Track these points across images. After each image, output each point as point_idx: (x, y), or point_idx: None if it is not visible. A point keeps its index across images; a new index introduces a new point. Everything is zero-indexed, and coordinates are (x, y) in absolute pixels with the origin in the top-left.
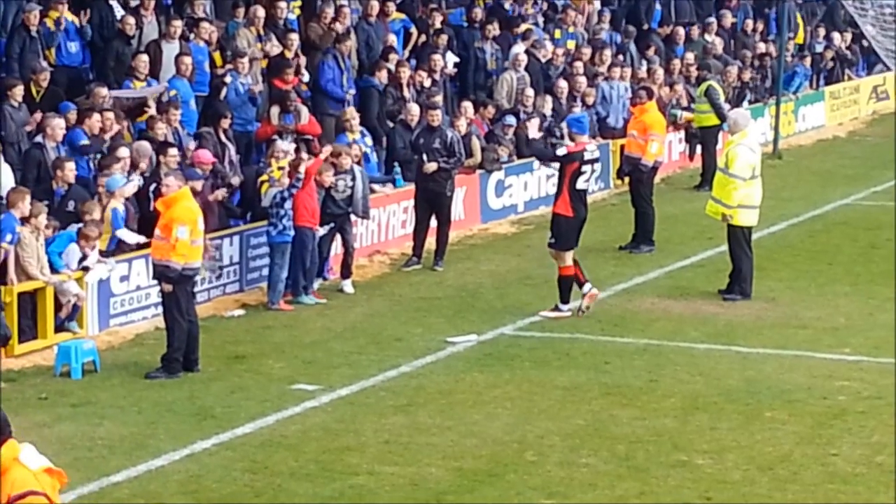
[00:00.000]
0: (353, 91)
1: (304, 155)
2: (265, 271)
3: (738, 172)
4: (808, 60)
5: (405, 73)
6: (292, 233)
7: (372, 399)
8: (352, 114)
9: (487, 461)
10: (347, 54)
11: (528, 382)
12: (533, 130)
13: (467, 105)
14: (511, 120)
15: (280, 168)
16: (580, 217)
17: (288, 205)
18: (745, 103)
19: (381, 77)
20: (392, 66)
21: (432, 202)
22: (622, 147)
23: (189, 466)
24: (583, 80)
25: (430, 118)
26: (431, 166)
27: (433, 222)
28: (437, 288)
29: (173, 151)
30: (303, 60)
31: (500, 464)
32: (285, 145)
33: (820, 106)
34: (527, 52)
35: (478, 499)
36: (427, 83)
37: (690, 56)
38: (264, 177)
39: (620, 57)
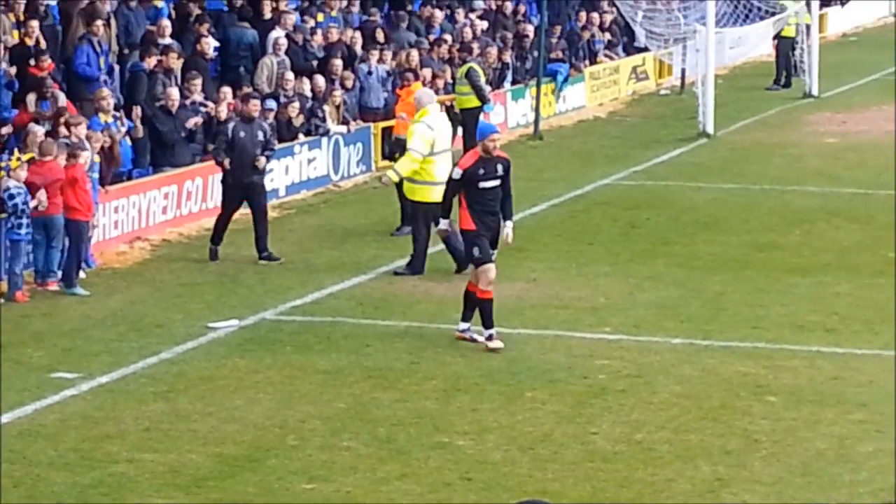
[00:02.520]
0: (106, 76)
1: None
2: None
3: (416, 147)
4: (566, 46)
5: (170, 58)
6: (26, 231)
7: (132, 386)
8: (102, 95)
9: (248, 446)
10: (105, 38)
11: (289, 367)
12: (294, 114)
13: (226, 90)
14: (271, 104)
15: (18, 159)
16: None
17: (21, 199)
18: (507, 84)
19: (150, 62)
20: (157, 51)
21: (250, 194)
22: (384, 130)
23: None
24: (342, 63)
25: (249, 109)
26: (262, 161)
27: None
28: (198, 273)
29: None
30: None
31: (260, 449)
32: (41, 132)
33: (580, 87)
34: (287, 36)
35: (238, 484)
36: (188, 68)
37: (450, 38)
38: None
39: (381, 39)
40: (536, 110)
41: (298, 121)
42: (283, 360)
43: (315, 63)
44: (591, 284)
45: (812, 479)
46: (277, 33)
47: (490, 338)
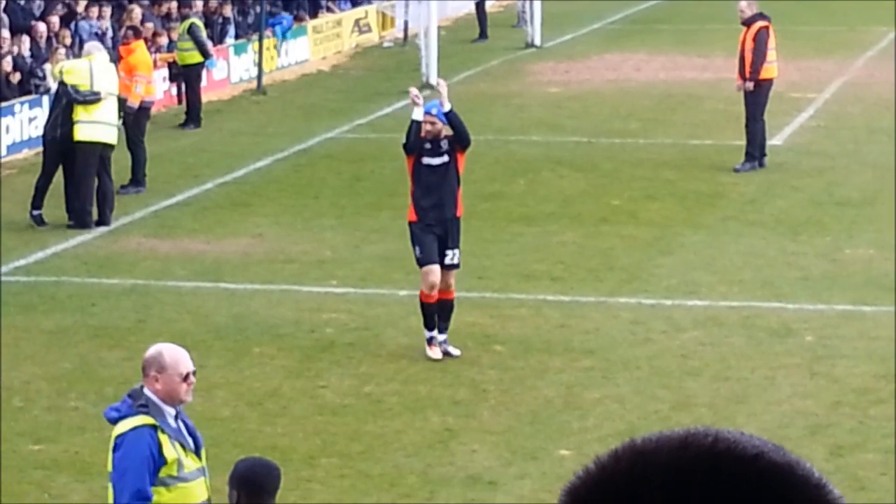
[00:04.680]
0: None
1: None
2: None
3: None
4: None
5: None
6: None
7: None
8: None
9: None
10: None
11: (13, 328)
12: (9, 70)
13: None
14: None
15: None
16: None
17: None
18: (229, 39)
19: None
20: None
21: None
22: None
23: None
24: (58, 21)
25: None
26: None
27: None
28: None
29: None
30: None
31: None
32: None
33: (304, 40)
34: None
35: None
36: None
37: None
38: None
39: None
40: (259, 65)
41: (15, 79)
42: (6, 322)
43: (34, 21)
44: (317, 238)
45: (540, 427)
46: None
47: (430, 341)
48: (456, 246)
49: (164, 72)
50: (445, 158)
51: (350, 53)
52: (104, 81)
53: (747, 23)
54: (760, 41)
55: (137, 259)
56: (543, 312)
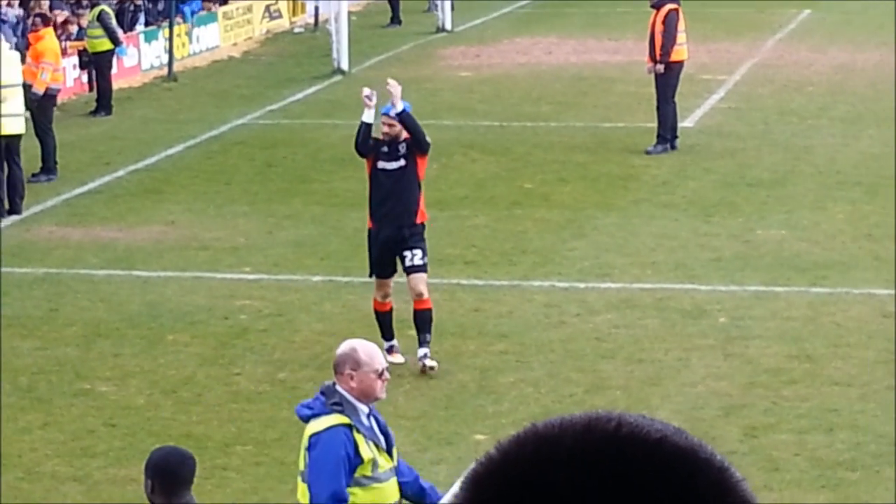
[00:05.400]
0: None
1: None
2: None
3: None
4: None
5: None
6: None
7: None
8: None
9: None
10: None
11: None
12: None
13: None
14: None
15: None
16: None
17: None
18: (139, 26)
19: None
20: None
21: None
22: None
23: None
24: None
25: None
26: None
27: None
28: None
29: None
30: None
31: None
32: None
33: (214, 27)
34: None
35: None
36: None
37: None
38: None
39: None
40: (170, 52)
41: None
42: None
43: None
44: (229, 225)
45: (455, 411)
46: None
47: (390, 350)
48: (416, 247)
49: (75, 59)
50: (402, 163)
51: (261, 39)
52: (7, 72)
53: (657, 5)
54: (670, 23)
55: (49, 247)
56: (457, 296)
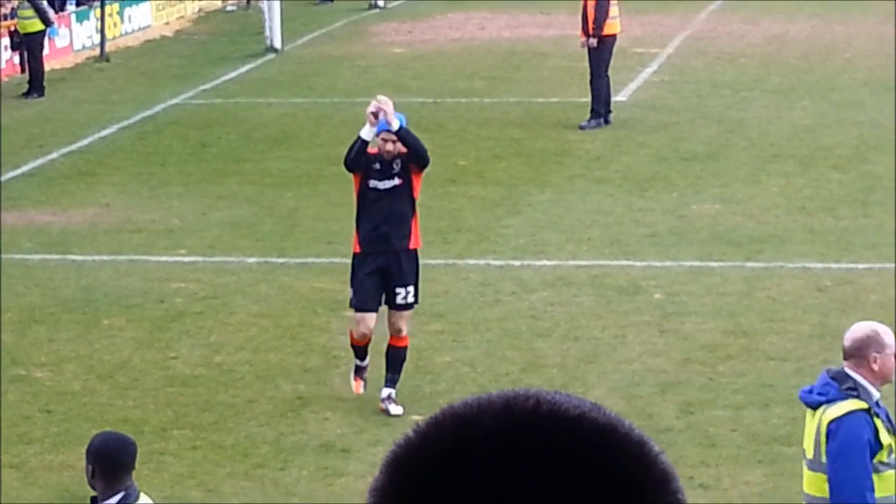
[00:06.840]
0: None
1: None
2: None
3: None
4: None
5: None
6: None
7: None
8: None
9: None
10: None
11: None
12: None
13: None
14: None
15: None
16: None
17: None
18: (70, 6)
19: None
20: None
21: None
22: None
23: None
24: None
25: None
26: None
27: None
28: None
29: None
30: None
31: None
32: None
33: (146, 6)
34: None
35: None
36: None
37: None
38: None
39: None
40: (102, 32)
41: None
42: None
43: None
44: (164, 206)
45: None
46: None
47: (356, 370)
48: (409, 283)
49: (6, 41)
50: (396, 181)
51: (193, 18)
52: None
53: None
54: None
55: None
56: None
